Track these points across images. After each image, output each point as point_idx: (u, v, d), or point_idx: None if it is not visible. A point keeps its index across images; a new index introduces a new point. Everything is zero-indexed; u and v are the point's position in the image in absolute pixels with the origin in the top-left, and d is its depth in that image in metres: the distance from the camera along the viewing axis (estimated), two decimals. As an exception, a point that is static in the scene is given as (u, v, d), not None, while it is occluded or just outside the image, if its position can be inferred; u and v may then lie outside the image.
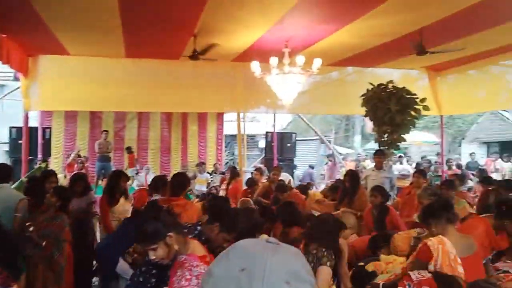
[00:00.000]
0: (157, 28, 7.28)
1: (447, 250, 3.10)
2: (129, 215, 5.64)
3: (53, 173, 6.69)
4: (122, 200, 6.07)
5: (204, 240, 3.42)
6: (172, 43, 8.24)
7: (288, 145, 15.40)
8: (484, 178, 8.74)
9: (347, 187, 7.09)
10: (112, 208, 5.94)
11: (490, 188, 7.23)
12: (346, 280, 4.11)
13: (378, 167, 8.21)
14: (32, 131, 12.44)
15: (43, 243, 4.62)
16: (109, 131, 14.54)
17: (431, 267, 3.09)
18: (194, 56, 7.68)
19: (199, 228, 3.57)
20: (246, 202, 6.18)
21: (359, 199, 6.89)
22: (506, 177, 12.32)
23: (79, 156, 13.40)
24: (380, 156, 8.26)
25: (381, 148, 8.97)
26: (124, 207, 6.04)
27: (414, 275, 2.79)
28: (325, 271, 3.37)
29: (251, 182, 8.64)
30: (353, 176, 7.34)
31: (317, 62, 7.90)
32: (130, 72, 9.89)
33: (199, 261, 2.63)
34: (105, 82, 9.85)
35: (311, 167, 18.07)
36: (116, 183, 6.11)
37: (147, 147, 16.05)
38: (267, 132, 15.44)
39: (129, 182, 10.14)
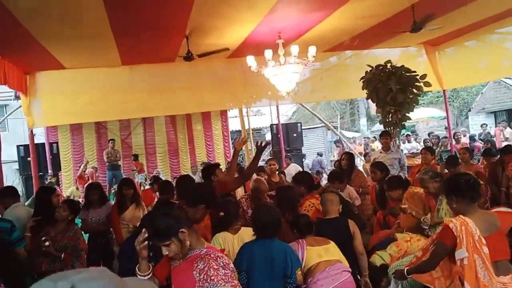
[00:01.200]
0: (149, 33, 7.30)
1: (470, 231, 2.97)
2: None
3: (54, 188, 6.74)
4: (132, 207, 6.04)
5: None
6: (165, 46, 8.25)
7: (295, 135, 15.31)
8: (485, 150, 8.66)
9: (345, 167, 7.09)
10: (122, 215, 5.95)
11: (494, 161, 7.24)
12: (362, 260, 4.13)
13: (386, 148, 8.18)
14: (39, 147, 12.56)
15: (62, 256, 4.70)
16: (116, 140, 14.63)
17: (460, 253, 2.97)
18: (189, 57, 7.68)
19: None
20: (258, 181, 6.15)
21: (357, 177, 6.98)
22: (517, 145, 12.17)
23: (86, 167, 13.49)
24: (386, 138, 8.22)
25: (386, 129, 8.92)
26: (134, 214, 5.97)
27: None
28: None
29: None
30: (349, 156, 7.38)
31: (312, 50, 7.88)
32: (129, 79, 9.92)
33: (220, 253, 2.67)
34: (105, 91, 9.90)
35: (320, 154, 18.02)
36: (120, 191, 6.13)
37: (155, 151, 16.12)
38: (271, 125, 15.40)
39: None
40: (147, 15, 6.43)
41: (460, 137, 13.33)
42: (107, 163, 13.96)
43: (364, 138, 19.86)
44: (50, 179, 11.82)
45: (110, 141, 14.11)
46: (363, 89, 9.12)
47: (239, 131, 17.07)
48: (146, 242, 2.64)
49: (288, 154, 13.51)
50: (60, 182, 13.77)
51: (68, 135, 15.08)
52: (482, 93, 21.51)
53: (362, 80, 9.04)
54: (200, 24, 7.02)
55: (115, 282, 0.79)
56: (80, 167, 13.84)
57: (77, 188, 12.51)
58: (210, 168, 5.84)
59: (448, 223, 3.09)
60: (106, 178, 13.95)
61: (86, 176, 12.81)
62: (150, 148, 16.08)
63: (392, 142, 8.66)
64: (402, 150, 10.16)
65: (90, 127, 15.14)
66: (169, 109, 11.58)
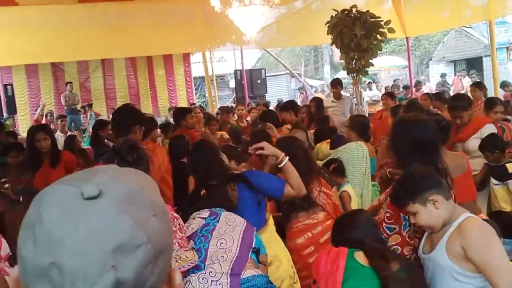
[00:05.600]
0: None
1: None
2: None
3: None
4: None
5: None
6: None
7: (258, 81, 15.24)
8: (435, 94, 8.74)
9: (313, 112, 7.09)
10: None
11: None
12: None
13: (337, 97, 8.17)
14: (-8, 88, 12.10)
15: (21, 199, 4.60)
16: (74, 83, 14.16)
17: None
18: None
19: None
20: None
21: None
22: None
23: (43, 111, 13.04)
24: (336, 86, 8.22)
25: (350, 75, 8.95)
26: None
27: None
28: None
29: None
30: (317, 101, 7.40)
31: (278, -9, 7.70)
32: (86, 18, 9.46)
33: (176, 213, 2.59)
34: (61, 31, 9.45)
35: (279, 101, 17.84)
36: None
37: (115, 95, 15.74)
38: (236, 70, 15.22)
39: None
40: None
41: (422, 86, 13.58)
42: (65, 107, 13.56)
43: (328, 84, 19.90)
44: (5, 122, 11.43)
45: (68, 84, 13.66)
46: (328, 34, 9.05)
47: (202, 77, 16.82)
48: None
49: (251, 100, 13.46)
50: (16, 125, 13.33)
51: (23, 77, 14.46)
52: (443, 42, 21.77)
53: (327, 25, 8.95)
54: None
55: (141, 183, 0.72)
56: (36, 110, 13.41)
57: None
58: (180, 112, 5.75)
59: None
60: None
61: (48, 118, 12.38)
62: (110, 93, 15.68)
63: (354, 88, 8.74)
64: (363, 98, 10.23)
65: (46, 68, 14.55)
66: (128, 51, 11.22)
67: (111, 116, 11.07)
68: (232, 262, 2.12)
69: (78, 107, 13.77)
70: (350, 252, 2.13)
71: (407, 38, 12.20)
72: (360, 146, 4.36)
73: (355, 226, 2.32)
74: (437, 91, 11.29)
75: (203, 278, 2.10)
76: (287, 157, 2.81)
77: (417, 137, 2.65)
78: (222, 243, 2.20)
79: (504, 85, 10.27)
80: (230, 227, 2.27)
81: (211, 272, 2.10)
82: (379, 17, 8.66)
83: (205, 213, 2.40)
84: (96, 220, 0.64)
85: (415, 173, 2.25)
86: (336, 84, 8.25)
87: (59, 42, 9.48)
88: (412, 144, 2.63)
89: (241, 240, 2.22)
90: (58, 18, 9.41)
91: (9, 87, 12.86)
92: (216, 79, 16.57)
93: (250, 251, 2.20)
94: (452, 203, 2.22)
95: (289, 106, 6.25)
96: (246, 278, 2.09)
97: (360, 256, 2.12)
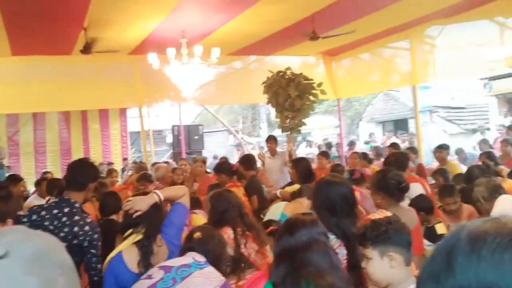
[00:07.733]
0: (43, 22, 6.84)
1: None
2: None
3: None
4: None
5: None
6: (61, 38, 7.78)
7: (196, 137, 15.28)
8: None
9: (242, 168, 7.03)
10: None
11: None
12: None
13: (272, 153, 8.29)
14: None
15: None
16: (2, 136, 13.53)
17: None
18: (86, 50, 7.32)
19: None
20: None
21: (262, 177, 6.96)
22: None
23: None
24: (271, 142, 8.35)
25: (285, 133, 9.18)
26: None
27: None
28: None
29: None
30: (248, 158, 7.38)
31: (216, 52, 7.89)
32: (19, 71, 9.21)
33: None
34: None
35: (215, 157, 17.74)
36: None
37: (45, 150, 15.14)
38: (173, 126, 15.20)
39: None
40: (42, 3, 6.03)
41: (355, 146, 14.20)
42: (-10, 162, 12.86)
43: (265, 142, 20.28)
44: None
45: (-6, 138, 13.06)
46: (264, 94, 9.32)
47: (139, 132, 16.60)
48: None
49: (189, 156, 13.38)
50: None
51: None
52: (372, 104, 22.97)
53: (263, 85, 9.23)
54: (99, 17, 6.72)
55: (49, 242, 0.74)
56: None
57: None
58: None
59: (371, 217, 3.15)
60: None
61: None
62: (39, 147, 15.08)
63: (288, 146, 8.95)
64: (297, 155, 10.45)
65: (-28, 121, 13.88)
66: (64, 105, 10.90)
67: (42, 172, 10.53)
68: None
69: (5, 161, 13.08)
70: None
71: (338, 99, 12.78)
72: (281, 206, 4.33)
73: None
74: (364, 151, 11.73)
75: None
76: (156, 191, 2.91)
77: (333, 198, 2.83)
78: None
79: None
80: (207, 281, 2.22)
81: None
82: (312, 79, 9.05)
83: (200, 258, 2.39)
84: (2, 280, 0.65)
85: (392, 223, 2.11)
86: (270, 140, 8.39)
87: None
88: (329, 203, 2.81)
89: None
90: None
91: None
92: (153, 134, 16.40)
93: None
94: (409, 270, 2.10)
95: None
96: None
97: None
